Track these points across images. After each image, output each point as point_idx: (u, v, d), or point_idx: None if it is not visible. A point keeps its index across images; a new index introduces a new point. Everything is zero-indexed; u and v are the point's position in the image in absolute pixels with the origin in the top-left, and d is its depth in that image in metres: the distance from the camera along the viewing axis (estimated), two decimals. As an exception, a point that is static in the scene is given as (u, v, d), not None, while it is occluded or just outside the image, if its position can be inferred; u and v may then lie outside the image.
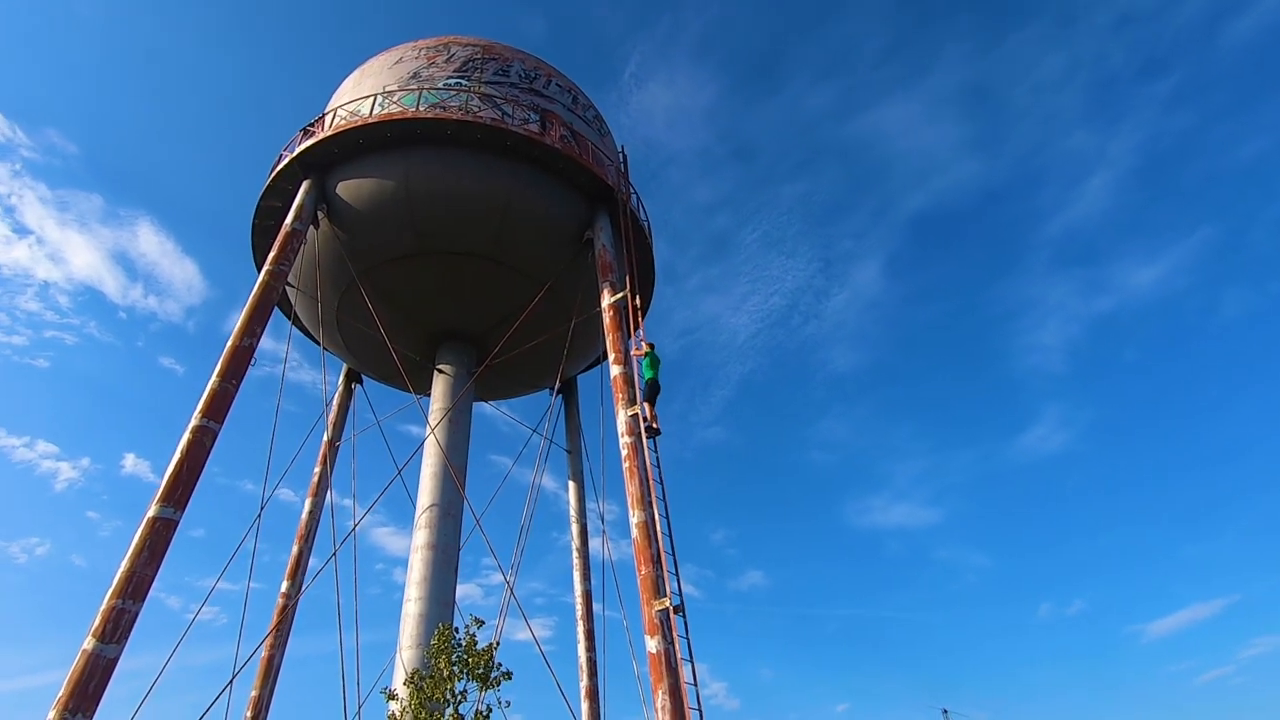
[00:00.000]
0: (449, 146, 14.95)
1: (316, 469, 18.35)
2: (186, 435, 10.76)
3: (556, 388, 20.94)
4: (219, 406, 11.29)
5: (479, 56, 17.26)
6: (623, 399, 12.80)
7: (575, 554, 18.88)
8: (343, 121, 14.96)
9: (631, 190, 17.73)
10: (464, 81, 16.30)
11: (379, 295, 15.92)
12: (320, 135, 14.91)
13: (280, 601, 16.60)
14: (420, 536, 14.01)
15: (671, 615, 10.25)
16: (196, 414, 11.01)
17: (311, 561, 17.47)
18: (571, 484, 19.98)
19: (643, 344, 13.56)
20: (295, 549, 17.16)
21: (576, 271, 16.06)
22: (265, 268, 13.36)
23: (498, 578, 14.39)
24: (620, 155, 19.39)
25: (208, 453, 10.86)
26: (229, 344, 12.05)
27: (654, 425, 12.55)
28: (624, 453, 12.13)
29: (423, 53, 17.23)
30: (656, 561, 10.75)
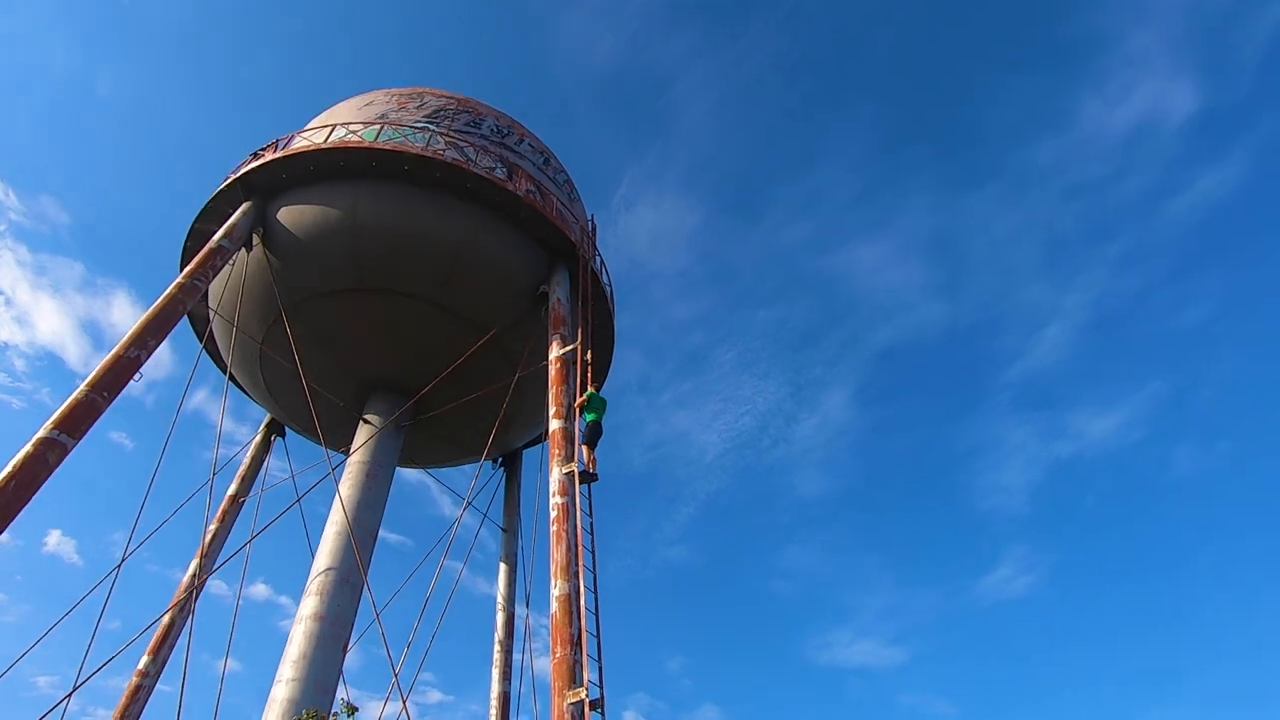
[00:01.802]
0: (405, 184, 14.19)
1: (213, 525, 16.14)
2: (28, 446, 8.99)
3: (494, 456, 19.30)
4: (78, 419, 9.58)
5: (452, 107, 16.95)
6: (559, 455, 11.35)
7: (497, 647, 16.52)
8: (294, 147, 14.18)
9: (596, 253, 17.05)
10: (432, 126, 15.84)
11: (309, 333, 14.58)
12: (268, 157, 14.08)
13: (134, 681, 13.92)
14: (308, 605, 11.90)
15: (587, 711, 8.36)
16: (48, 424, 9.29)
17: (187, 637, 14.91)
18: (503, 566, 17.88)
19: (588, 388, 12.30)
20: (166, 619, 14.67)
21: (527, 327, 14.99)
22: (177, 280, 12.03)
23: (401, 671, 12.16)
24: (590, 222, 18.89)
25: (50, 471, 9.04)
26: (112, 351, 10.50)
27: (591, 469, 11.08)
28: (553, 514, 10.54)
29: (395, 98, 16.88)
30: (575, 643, 8.96)
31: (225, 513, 16.47)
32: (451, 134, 15.45)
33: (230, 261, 13.76)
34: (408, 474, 22.37)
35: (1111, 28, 55.80)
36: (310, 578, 12.37)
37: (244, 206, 14.02)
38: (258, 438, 17.87)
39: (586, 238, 16.62)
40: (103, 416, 9.96)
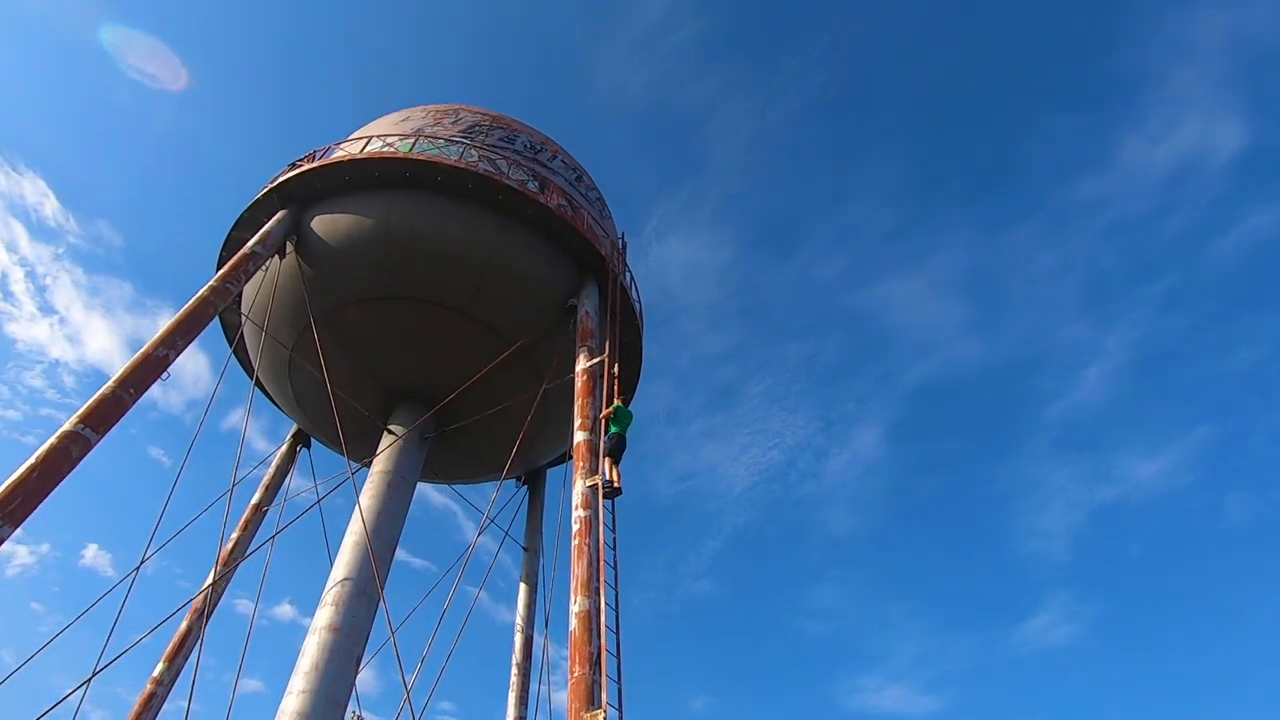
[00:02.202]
0: (438, 194, 14.25)
1: (235, 534, 16.07)
2: (52, 438, 8.97)
3: (518, 474, 19.02)
4: (104, 415, 9.56)
5: (486, 123, 17.09)
6: (583, 468, 11.02)
7: (514, 670, 16.03)
8: (330, 158, 14.36)
9: (626, 269, 16.90)
10: (466, 141, 15.95)
11: (338, 341, 14.59)
12: (305, 168, 14.27)
13: (148, 689, 13.74)
14: (323, 615, 11.63)
15: (604, 734, 7.89)
16: (73, 418, 9.28)
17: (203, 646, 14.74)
18: (523, 587, 17.46)
19: (614, 401, 12.00)
20: (184, 625, 14.53)
21: (555, 340, 14.81)
22: (209, 283, 12.11)
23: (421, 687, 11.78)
24: (620, 239, 18.80)
25: (73, 465, 8.99)
26: (141, 350, 10.53)
27: (615, 483, 10.71)
28: (575, 527, 10.18)
29: (431, 114, 17.08)
30: (595, 663, 8.52)
31: (248, 522, 16.40)
32: (485, 148, 15.53)
33: (263, 268, 13.88)
34: (433, 499, 22.21)
35: (1154, 66, 54.83)
36: (326, 587, 12.13)
37: (279, 215, 14.18)
38: (283, 448, 17.86)
39: (617, 253, 16.49)
40: (129, 413, 9.93)
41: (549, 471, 20.25)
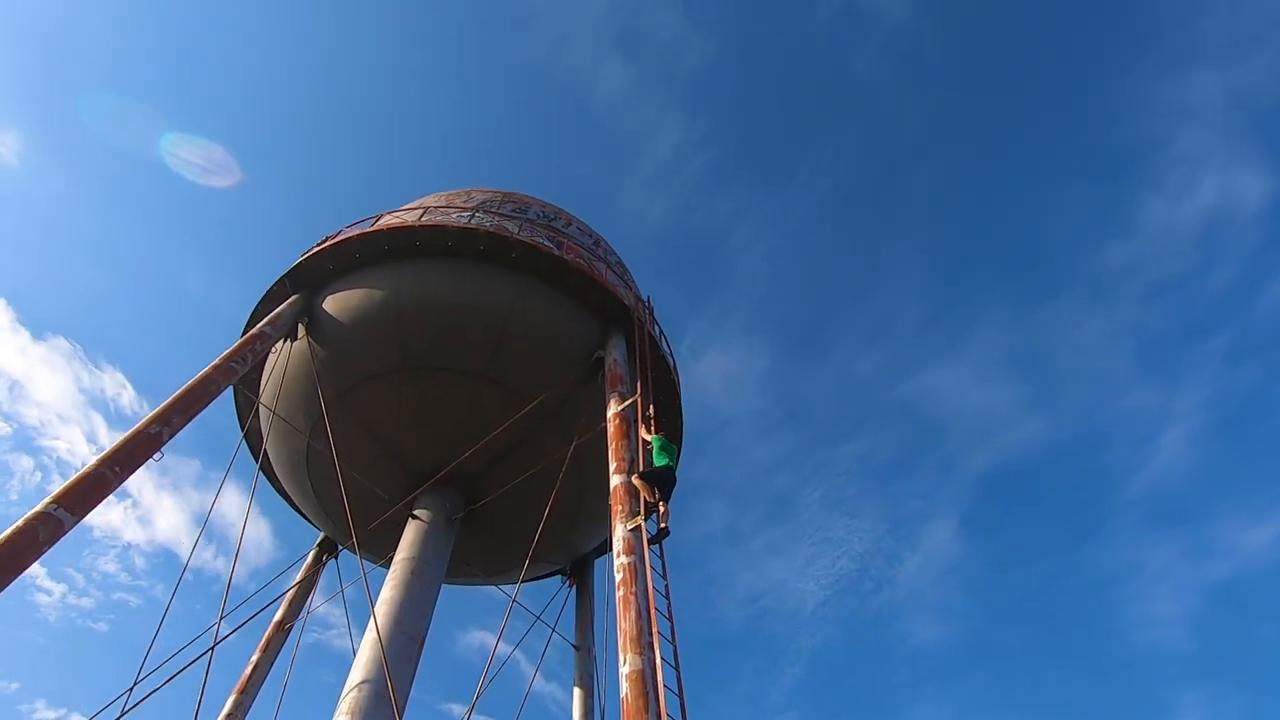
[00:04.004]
0: (449, 261, 13.77)
1: (255, 655, 14.49)
2: (20, 520, 7.94)
3: (561, 564, 17.25)
4: (83, 495, 8.56)
5: (498, 199, 16.95)
6: (622, 512, 9.51)
7: (573, 792, 13.54)
8: (339, 237, 14.13)
9: (656, 323, 15.94)
10: (479, 214, 15.71)
11: (355, 424, 13.71)
12: (314, 249, 14.02)
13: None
14: (338, 726, 9.86)
15: (675, 825, 5.94)
16: (47, 499, 8.29)
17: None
18: (577, 691, 15.21)
19: (652, 428, 10.60)
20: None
21: (583, 397, 13.68)
22: (213, 362, 11.46)
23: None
24: (646, 300, 18.01)
25: (40, 548, 7.90)
26: (134, 427, 9.69)
27: (663, 524, 9.10)
28: (618, 577, 8.55)
29: (442, 198, 17.06)
30: (655, 733, 6.67)
31: (270, 641, 14.85)
32: (497, 214, 15.22)
33: (274, 351, 13.33)
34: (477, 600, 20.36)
35: (1157, 132, 55.09)
36: (343, 694, 10.41)
37: (291, 299, 13.79)
38: (309, 558, 16.57)
39: (642, 306, 15.59)
40: (113, 493, 8.92)
41: (596, 562, 18.45)
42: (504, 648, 15.80)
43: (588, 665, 15.55)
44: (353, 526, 12.00)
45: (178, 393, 10.49)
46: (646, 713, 6.81)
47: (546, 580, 18.78)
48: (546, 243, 14.59)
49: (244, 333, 14.67)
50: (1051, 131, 57.60)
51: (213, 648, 9.98)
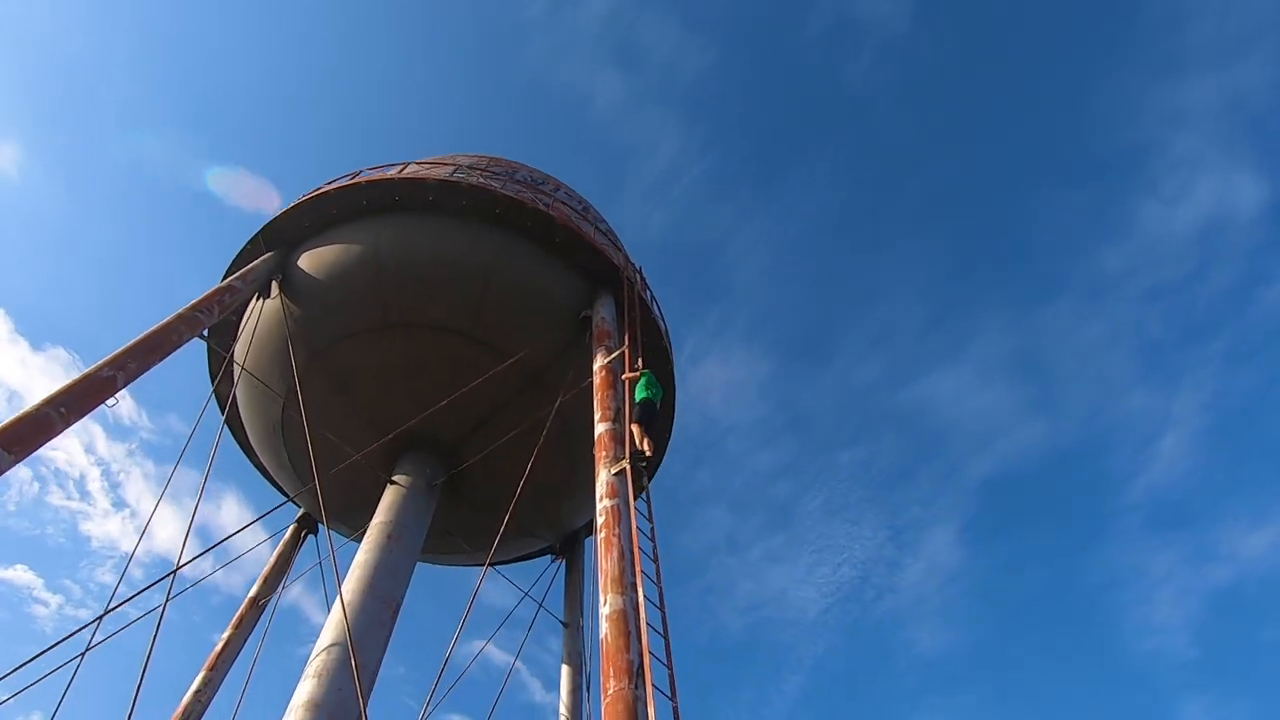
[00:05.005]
0: (431, 216, 13.19)
1: (227, 633, 13.82)
2: (-51, 456, 7.32)
3: (551, 540, 16.62)
4: (24, 435, 7.95)
5: (484, 163, 16.39)
6: (605, 458, 8.90)
7: (559, 772, 12.86)
8: (316, 191, 13.55)
9: (647, 288, 15.37)
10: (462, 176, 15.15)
11: (331, 385, 13.10)
12: (289, 205, 13.44)
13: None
14: (302, 690, 9.21)
15: (656, 766, 5.31)
16: (-17, 435, 7.68)
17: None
18: (565, 669, 14.55)
19: (639, 366, 10.03)
20: (158, 744, 12.03)
21: (569, 357, 13.08)
22: (178, 311, 10.86)
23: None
24: (637, 274, 17.44)
25: (-28, 484, 7.27)
26: (87, 370, 9.08)
27: (644, 449, 8.52)
28: (600, 520, 7.94)
29: (427, 161, 16.49)
30: (637, 674, 6.04)
31: (243, 617, 14.18)
32: (482, 175, 14.66)
33: (250, 311, 12.76)
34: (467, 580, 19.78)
35: (1150, 138, 55.07)
36: (310, 658, 9.76)
37: (265, 255, 13.21)
38: (287, 535, 15.92)
39: (631, 266, 15.02)
40: (59, 437, 8.31)
41: (586, 541, 17.81)
42: (492, 630, 15.12)
43: (576, 642, 14.90)
44: (319, 489, 11.35)
45: (137, 338, 9.89)
46: (627, 651, 6.19)
47: (537, 560, 18.16)
48: (533, 198, 14.04)
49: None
50: (1048, 136, 57.47)
51: (164, 603, 9.33)
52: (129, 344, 9.74)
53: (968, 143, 59.36)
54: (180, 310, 10.87)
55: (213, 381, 13.85)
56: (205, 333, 11.85)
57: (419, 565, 14.70)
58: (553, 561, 17.19)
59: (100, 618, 9.70)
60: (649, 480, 8.73)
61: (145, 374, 9.79)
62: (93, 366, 9.13)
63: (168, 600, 9.36)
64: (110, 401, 9.13)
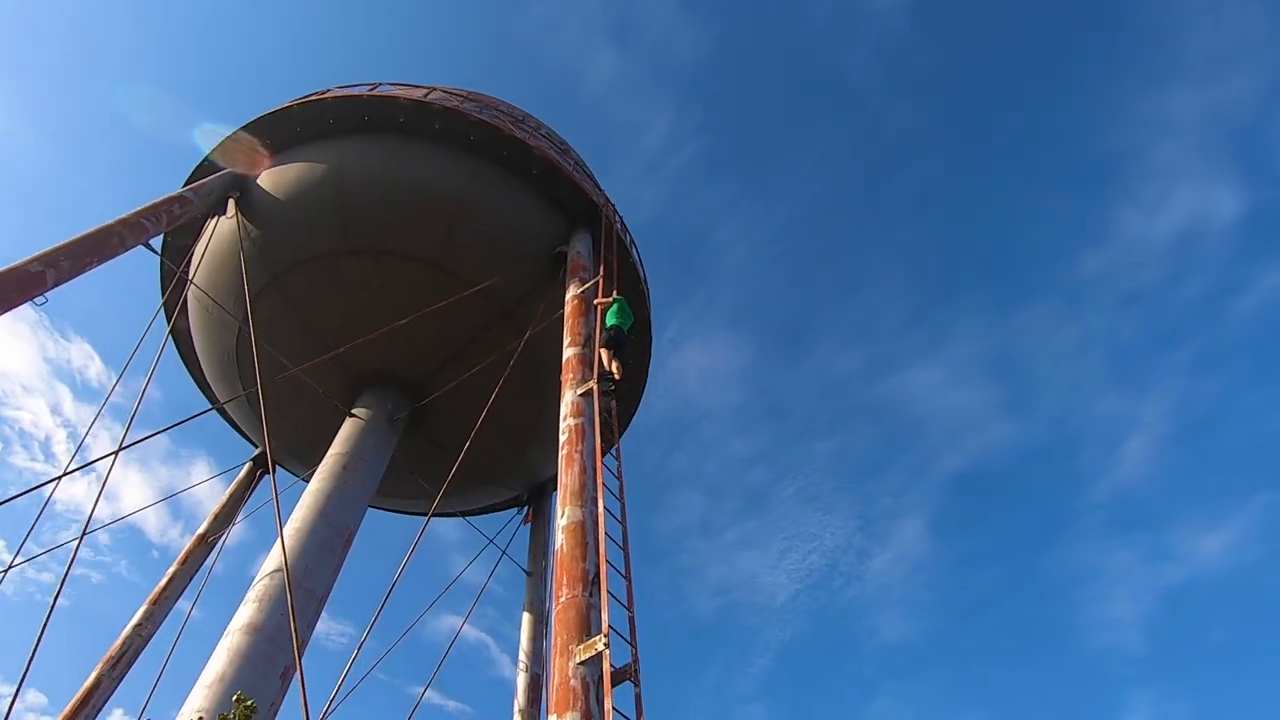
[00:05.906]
0: (402, 138, 12.50)
1: (172, 568, 13.24)
2: None
3: (518, 490, 16.19)
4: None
5: (461, 95, 15.65)
6: (572, 380, 8.43)
7: (517, 716, 12.50)
8: (280, 106, 12.77)
9: (627, 231, 14.84)
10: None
11: (289, 309, 12.45)
12: (250, 120, 12.66)
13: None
14: (242, 614, 8.70)
15: (607, 671, 4.91)
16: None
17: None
18: (526, 617, 14.17)
19: (613, 293, 9.57)
20: (94, 676, 11.46)
21: (542, 293, 12.56)
22: (121, 216, 10.12)
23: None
24: (616, 215, 16.88)
25: None
26: (16, 263, 8.38)
27: (613, 372, 8.08)
28: (563, 438, 7.48)
29: (398, 88, 15.72)
30: (592, 582, 5.63)
31: (190, 554, 13.58)
32: (461, 101, 13.95)
33: (205, 230, 12.01)
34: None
35: (1135, 145, 55.53)
36: (253, 583, 9.24)
37: (222, 172, 12.44)
38: (241, 474, 15.28)
39: (611, 206, 14.47)
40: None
41: (554, 494, 17.39)
42: (456, 590, 14.71)
43: (539, 590, 14.52)
44: (264, 415, 10.74)
45: (73, 237, 9.17)
46: (583, 560, 5.77)
47: (504, 513, 17.73)
48: (510, 127, 13.40)
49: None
50: (1033, 140, 57.72)
51: (83, 534, 8.73)
52: (64, 241, 9.03)
53: (959, 142, 59.41)
54: (124, 215, 10.13)
55: (163, 294, 13.06)
56: (157, 245, 11.14)
57: (395, 528, 14.20)
58: (519, 514, 16.78)
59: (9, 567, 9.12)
60: (624, 410, 8.29)
61: (81, 276, 9.09)
62: (21, 260, 8.43)
63: (81, 539, 8.76)
64: (39, 300, 8.46)
